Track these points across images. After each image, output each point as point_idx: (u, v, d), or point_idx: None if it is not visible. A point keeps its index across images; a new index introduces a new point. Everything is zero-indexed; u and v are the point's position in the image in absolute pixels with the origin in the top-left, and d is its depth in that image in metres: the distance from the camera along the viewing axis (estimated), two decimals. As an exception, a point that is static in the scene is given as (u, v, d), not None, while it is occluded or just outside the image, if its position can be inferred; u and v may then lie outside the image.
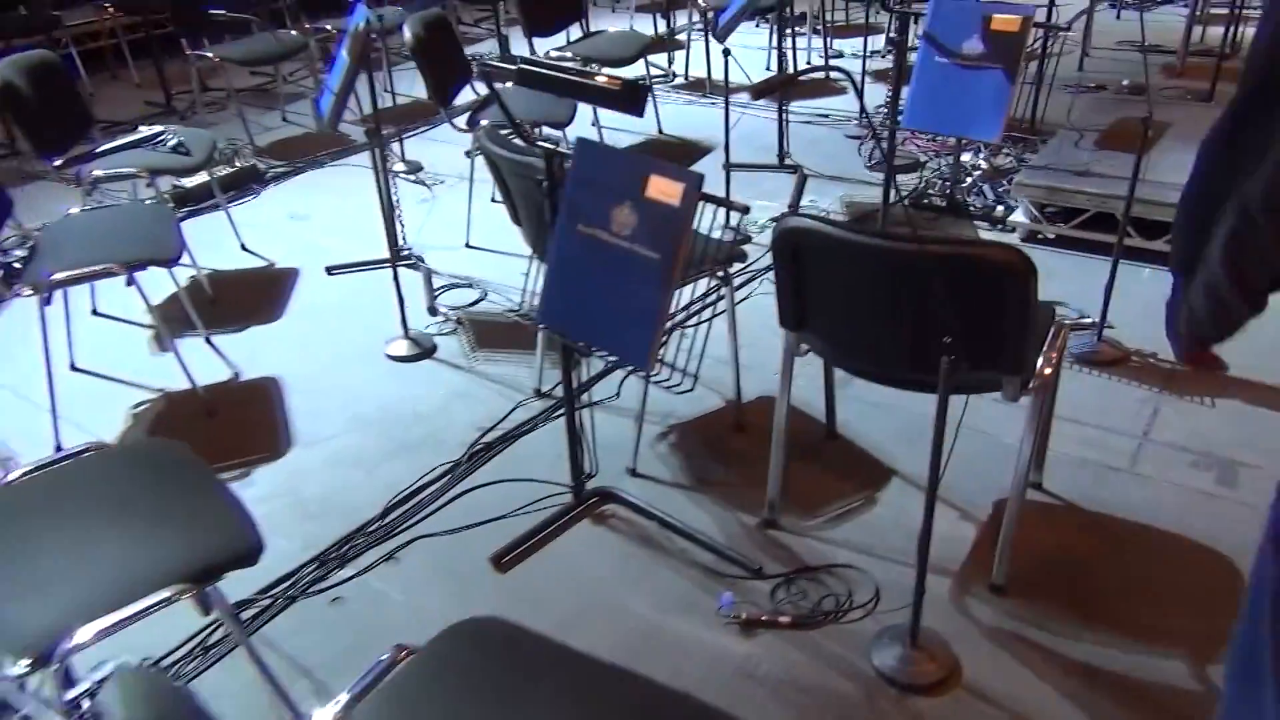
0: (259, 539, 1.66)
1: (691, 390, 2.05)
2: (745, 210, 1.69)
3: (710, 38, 3.73)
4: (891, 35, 2.95)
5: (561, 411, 2.79)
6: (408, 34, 3.70)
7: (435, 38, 3.83)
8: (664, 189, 1.78)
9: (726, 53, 3.70)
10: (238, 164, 4.78)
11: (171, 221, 3.05)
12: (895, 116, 3.07)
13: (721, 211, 4.05)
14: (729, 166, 3.94)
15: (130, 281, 2.80)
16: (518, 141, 2.44)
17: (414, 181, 4.77)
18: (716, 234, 3.97)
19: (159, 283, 3.56)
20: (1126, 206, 2.98)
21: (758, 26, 7.30)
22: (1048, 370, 2.01)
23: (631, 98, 1.66)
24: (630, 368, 1.88)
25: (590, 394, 2.99)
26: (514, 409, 2.93)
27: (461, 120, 3.93)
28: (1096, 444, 2.63)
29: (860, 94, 1.60)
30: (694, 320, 3.23)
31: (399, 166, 4.90)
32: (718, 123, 5.17)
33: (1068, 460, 2.57)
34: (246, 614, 2.23)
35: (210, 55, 5.01)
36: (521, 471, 2.66)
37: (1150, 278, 3.48)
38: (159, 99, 6.12)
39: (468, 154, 4.85)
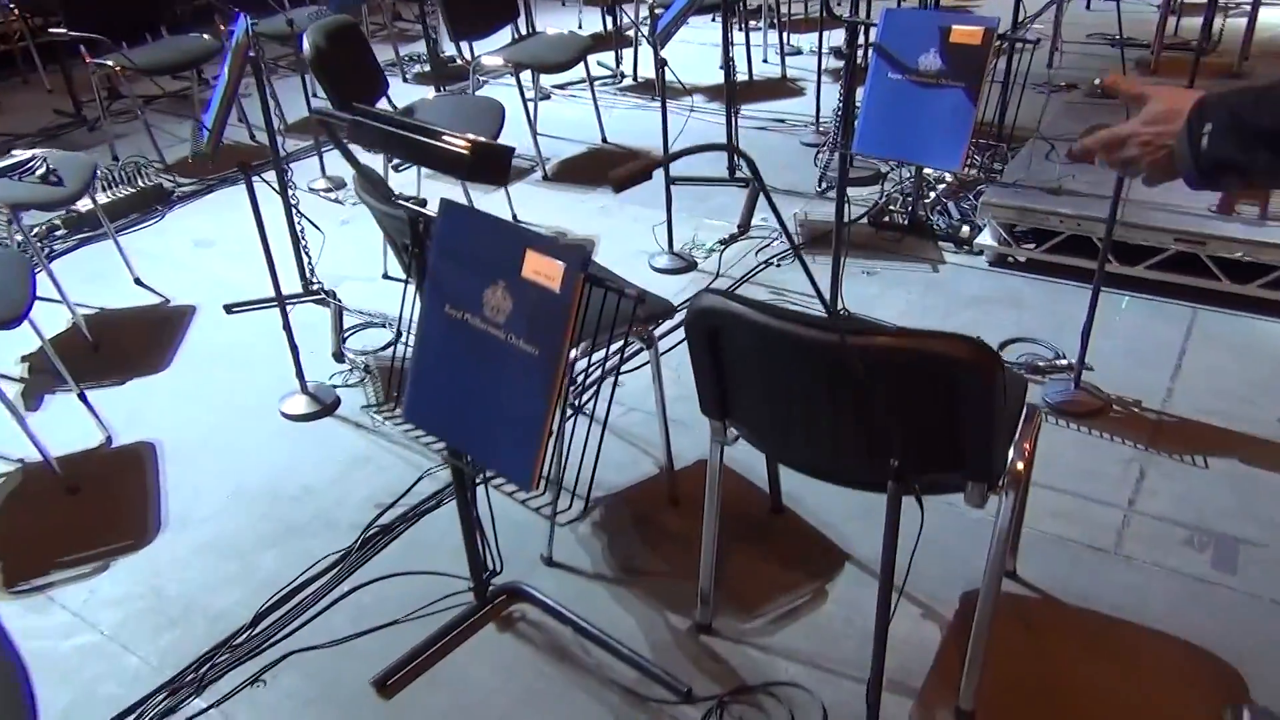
0: (27, 731, 1.30)
1: (582, 517, 1.72)
2: (638, 299, 1.35)
3: (651, 42, 3.38)
4: (839, 47, 2.60)
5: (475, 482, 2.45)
6: (306, 46, 3.31)
7: (340, 48, 3.44)
8: (542, 268, 1.43)
9: (663, 63, 3.35)
10: (141, 183, 4.37)
11: (25, 272, 2.66)
12: (847, 138, 2.73)
13: (661, 235, 3.71)
14: (671, 181, 3.59)
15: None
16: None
17: (334, 201, 4.38)
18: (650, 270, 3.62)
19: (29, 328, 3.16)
20: (1108, 231, 2.66)
21: (714, 20, 6.92)
22: (1020, 465, 1.68)
23: (484, 167, 1.31)
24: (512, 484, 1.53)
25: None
26: (419, 480, 2.57)
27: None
28: (1076, 518, 2.32)
29: (763, 186, 1.25)
30: (592, 395, 2.88)
31: (319, 184, 4.51)
32: (669, 128, 4.80)
33: (1044, 540, 2.25)
34: (78, 760, 1.88)
35: (109, 63, 4.58)
36: (423, 559, 2.31)
37: (1131, 307, 3.17)
38: (70, 107, 5.67)
39: (395, 168, 4.47)
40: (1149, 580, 2.13)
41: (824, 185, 4.14)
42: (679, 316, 3.20)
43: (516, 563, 2.25)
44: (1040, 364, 2.87)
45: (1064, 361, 2.87)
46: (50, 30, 4.59)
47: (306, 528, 2.44)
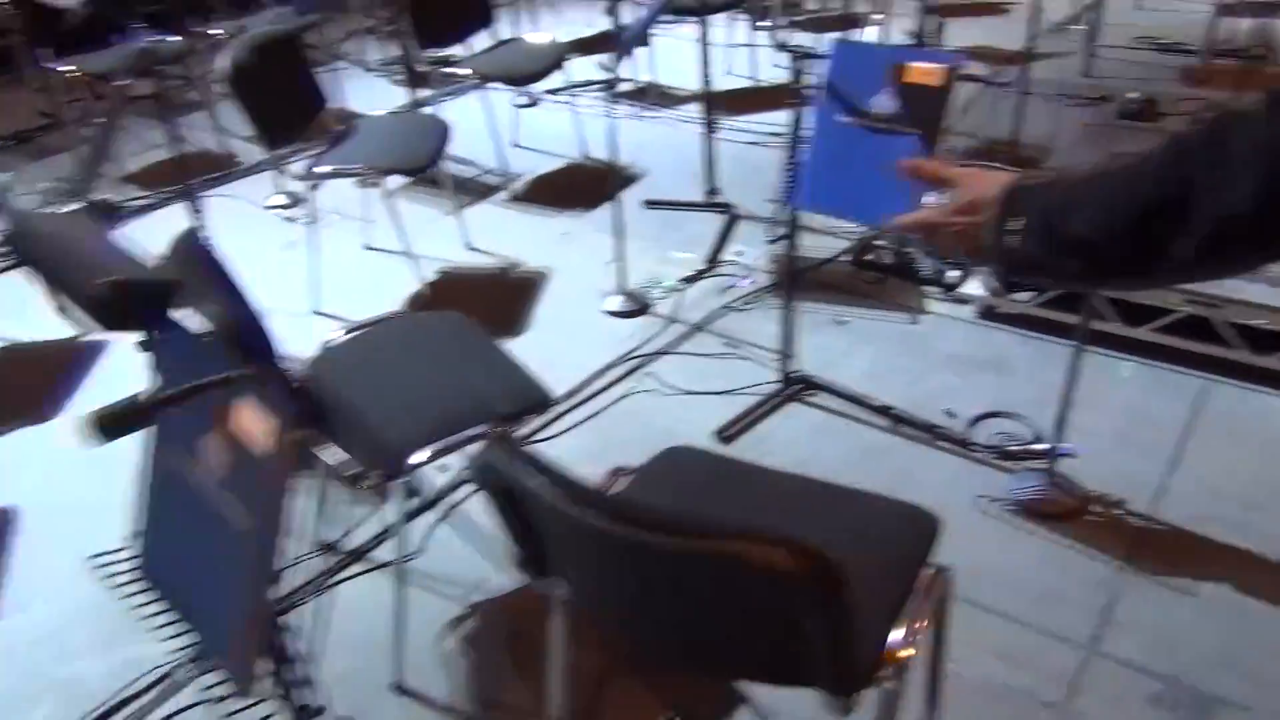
0: None
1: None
2: (360, 477, 1.02)
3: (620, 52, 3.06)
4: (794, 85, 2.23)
5: (350, 574, 2.19)
6: (225, 64, 3.02)
7: (270, 66, 3.14)
8: (252, 421, 1.11)
9: (611, 85, 3.02)
10: (89, 198, 4.16)
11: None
12: (789, 192, 2.37)
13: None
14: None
15: None
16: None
17: (287, 219, 4.12)
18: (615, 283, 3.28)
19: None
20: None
21: (732, 20, 6.49)
22: (905, 653, 1.32)
23: (112, 313, 0.99)
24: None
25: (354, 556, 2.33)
26: (288, 565, 2.28)
27: (300, 166, 3.26)
28: (1026, 659, 1.94)
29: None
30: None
31: (276, 200, 4.25)
32: (660, 141, 4.48)
33: (983, 689, 1.88)
34: None
35: (71, 69, 4.36)
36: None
37: (1134, 376, 2.76)
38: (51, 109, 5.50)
39: (361, 183, 4.18)
40: (1102, 753, 1.75)
41: (772, 238, 3.57)
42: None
43: (359, 688, 1.95)
44: (1012, 447, 2.48)
45: (1042, 446, 2.48)
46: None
47: (143, 626, 2.16)
